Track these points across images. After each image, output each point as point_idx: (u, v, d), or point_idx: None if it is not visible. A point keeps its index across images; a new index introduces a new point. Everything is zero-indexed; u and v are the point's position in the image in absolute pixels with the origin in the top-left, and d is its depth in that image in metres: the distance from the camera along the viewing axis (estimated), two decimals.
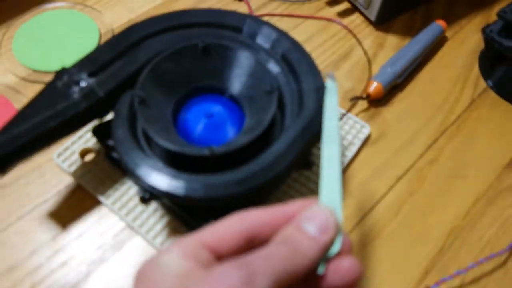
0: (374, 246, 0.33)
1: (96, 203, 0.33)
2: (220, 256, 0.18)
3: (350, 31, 0.39)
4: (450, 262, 0.32)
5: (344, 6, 0.47)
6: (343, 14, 0.47)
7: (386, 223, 0.34)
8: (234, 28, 0.34)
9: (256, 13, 0.45)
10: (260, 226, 0.20)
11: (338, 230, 0.20)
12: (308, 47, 0.43)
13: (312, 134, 0.28)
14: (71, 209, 0.33)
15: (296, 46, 0.33)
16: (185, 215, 0.31)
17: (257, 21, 0.34)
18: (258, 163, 0.27)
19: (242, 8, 0.46)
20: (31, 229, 0.32)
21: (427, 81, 0.42)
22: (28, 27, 0.42)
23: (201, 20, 0.33)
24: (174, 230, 0.32)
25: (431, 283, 0.31)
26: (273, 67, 0.32)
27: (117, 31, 0.43)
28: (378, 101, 0.40)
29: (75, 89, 0.29)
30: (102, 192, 0.33)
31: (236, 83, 0.32)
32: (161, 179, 0.26)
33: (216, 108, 0.31)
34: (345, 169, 0.36)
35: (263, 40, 0.33)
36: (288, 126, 0.30)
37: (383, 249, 0.33)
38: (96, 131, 0.32)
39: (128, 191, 0.33)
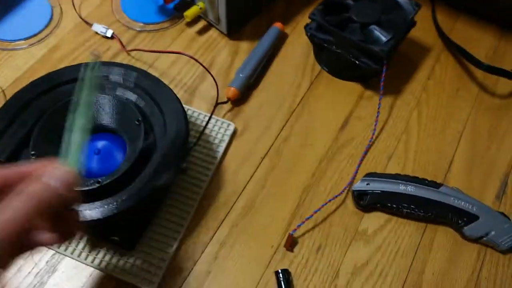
0: (252, 214, 0.44)
1: None
2: None
3: (196, 60, 0.47)
4: (305, 212, 0.44)
5: (201, 24, 0.56)
6: (202, 31, 0.56)
7: (257, 194, 0.45)
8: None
9: (128, 48, 0.53)
10: None
11: (75, 183, 0.26)
12: (176, 66, 0.52)
13: (176, 151, 0.38)
14: None
15: (156, 81, 0.42)
16: (97, 233, 0.39)
17: (112, 65, 0.42)
18: (139, 181, 0.36)
19: (114, 45, 0.53)
20: None
21: (275, 74, 0.53)
22: None
23: (72, 76, 0.41)
24: (93, 245, 0.40)
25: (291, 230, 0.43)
26: (140, 102, 0.41)
27: (7, 91, 0.49)
28: (238, 101, 0.50)
29: None
30: None
31: (113, 121, 0.40)
32: None
33: (101, 144, 0.40)
34: (219, 163, 0.46)
35: (127, 80, 0.42)
36: (158, 146, 0.39)
37: (258, 214, 0.44)
38: None
39: None
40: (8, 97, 0.48)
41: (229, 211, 0.44)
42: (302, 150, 0.48)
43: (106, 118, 0.40)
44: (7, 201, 0.23)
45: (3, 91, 0.49)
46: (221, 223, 0.43)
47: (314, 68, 0.54)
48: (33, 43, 0.53)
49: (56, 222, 0.27)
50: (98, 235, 0.39)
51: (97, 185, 0.35)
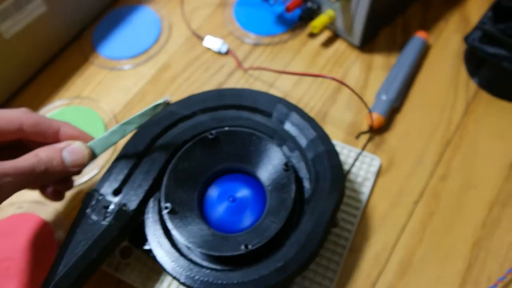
0: (409, 275, 0.35)
1: None
2: None
3: (341, 82, 0.38)
4: (480, 275, 0.35)
5: (325, 35, 0.48)
6: (327, 43, 0.48)
7: (414, 249, 0.36)
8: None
9: (245, 66, 0.46)
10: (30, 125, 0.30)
11: (84, 162, 0.30)
12: (301, 86, 0.45)
13: (336, 200, 0.31)
14: None
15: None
16: None
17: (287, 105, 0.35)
18: (292, 244, 0.29)
19: (229, 62, 0.47)
20: None
21: (420, 94, 0.44)
22: None
23: (211, 105, 0.35)
24: None
25: None
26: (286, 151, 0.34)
27: (118, 116, 0.44)
28: (380, 129, 0.42)
29: (106, 213, 0.31)
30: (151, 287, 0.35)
31: (252, 163, 0.34)
32: (198, 279, 0.29)
33: (242, 192, 0.33)
34: (365, 205, 0.38)
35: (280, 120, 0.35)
36: (308, 197, 0.32)
37: (419, 275, 0.35)
38: (132, 240, 0.34)
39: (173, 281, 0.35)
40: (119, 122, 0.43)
41: (382, 269, 0.36)
42: (465, 192, 0.39)
43: (248, 162, 0.34)
44: (22, 158, 0.27)
45: (115, 116, 0.44)
46: (375, 285, 0.35)
47: (468, 86, 0.44)
48: (141, 62, 0.47)
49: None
50: None
51: (244, 250, 0.29)
